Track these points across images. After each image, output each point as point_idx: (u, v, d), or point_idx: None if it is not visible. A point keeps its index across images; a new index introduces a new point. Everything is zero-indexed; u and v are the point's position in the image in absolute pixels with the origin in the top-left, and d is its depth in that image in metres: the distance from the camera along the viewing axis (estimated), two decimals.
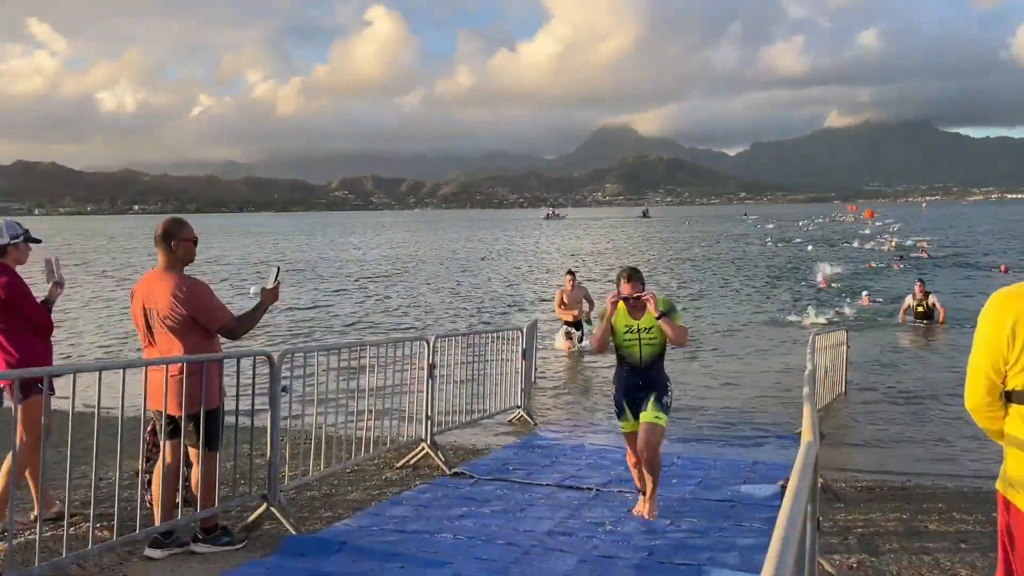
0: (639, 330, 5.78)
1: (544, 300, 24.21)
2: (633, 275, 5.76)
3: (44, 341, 5.38)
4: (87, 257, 54.13)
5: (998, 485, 2.67)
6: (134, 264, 45.51)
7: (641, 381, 5.82)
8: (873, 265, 35.06)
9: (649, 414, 5.71)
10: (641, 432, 5.71)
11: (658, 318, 5.66)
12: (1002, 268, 31.53)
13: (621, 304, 5.83)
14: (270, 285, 5.14)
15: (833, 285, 27.19)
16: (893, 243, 50.38)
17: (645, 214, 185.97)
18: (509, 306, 23.97)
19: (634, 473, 6.10)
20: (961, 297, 22.86)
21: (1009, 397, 2.61)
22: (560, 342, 15.28)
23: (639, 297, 5.70)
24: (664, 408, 5.75)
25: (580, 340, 15.16)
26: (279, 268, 5.29)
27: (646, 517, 5.81)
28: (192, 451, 5.06)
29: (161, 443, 5.09)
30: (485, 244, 65.84)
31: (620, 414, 5.95)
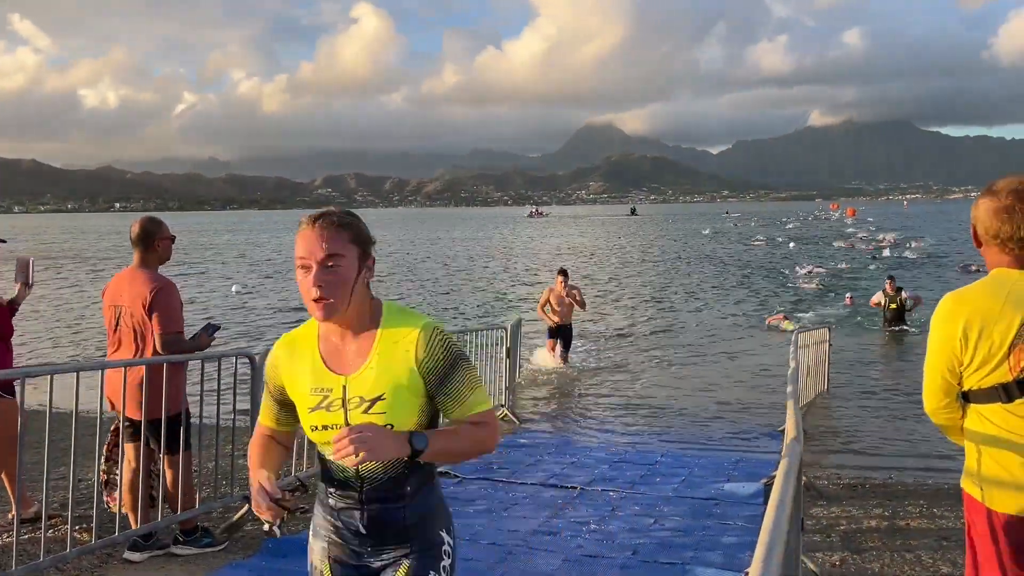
0: (346, 402, 2.19)
1: (525, 300, 24.15)
2: (322, 220, 2.15)
3: (5, 343, 5.27)
4: (86, 255, 53.61)
5: (963, 483, 2.69)
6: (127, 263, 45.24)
7: (365, 525, 2.26)
8: (848, 266, 35.17)
9: None
10: None
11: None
12: (973, 267, 31.70)
13: (303, 336, 2.31)
14: (207, 336, 5.07)
15: (816, 285, 27.35)
16: (884, 240, 50.47)
17: (633, 212, 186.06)
18: (493, 304, 23.97)
19: None
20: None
21: (966, 397, 2.64)
22: (542, 357, 13.41)
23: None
24: None
25: (567, 347, 13.40)
26: (219, 327, 5.34)
27: None
28: (165, 455, 4.94)
29: (124, 446, 4.92)
30: (474, 243, 65.75)
31: None
